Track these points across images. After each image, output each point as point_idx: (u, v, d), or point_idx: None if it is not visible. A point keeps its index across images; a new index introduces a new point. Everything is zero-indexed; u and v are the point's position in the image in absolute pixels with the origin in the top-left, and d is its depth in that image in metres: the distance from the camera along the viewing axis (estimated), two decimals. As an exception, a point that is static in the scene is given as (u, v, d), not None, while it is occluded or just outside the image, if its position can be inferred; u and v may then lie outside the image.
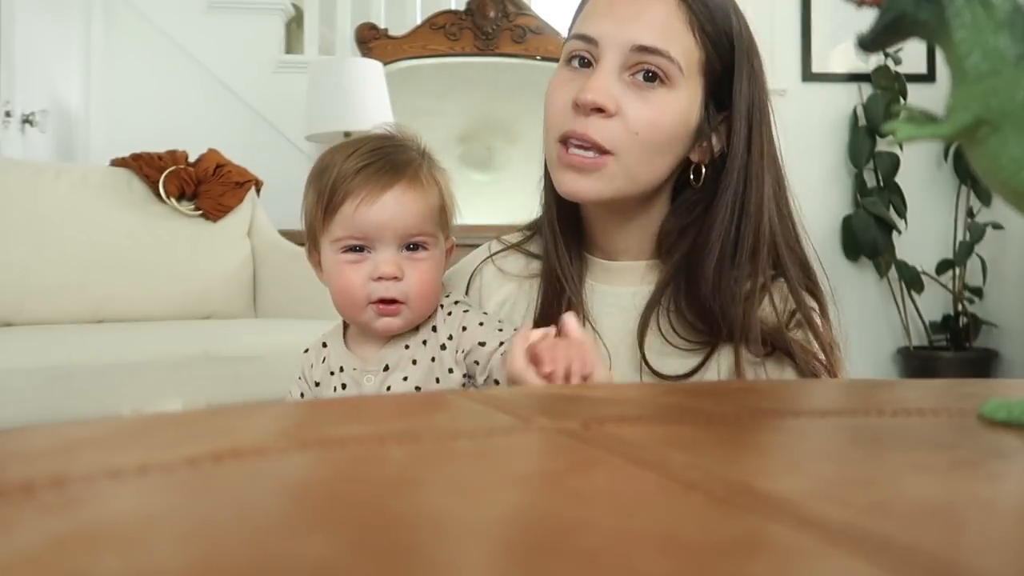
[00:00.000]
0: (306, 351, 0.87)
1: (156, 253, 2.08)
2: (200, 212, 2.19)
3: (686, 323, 0.78)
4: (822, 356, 0.76)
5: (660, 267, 0.82)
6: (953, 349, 3.02)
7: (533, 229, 0.90)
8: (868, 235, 2.97)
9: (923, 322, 3.06)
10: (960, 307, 3.02)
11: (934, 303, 3.08)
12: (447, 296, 0.84)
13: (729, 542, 0.20)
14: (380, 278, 0.78)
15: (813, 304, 0.80)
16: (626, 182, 0.76)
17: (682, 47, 0.75)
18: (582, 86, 0.74)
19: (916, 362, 3.02)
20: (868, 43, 0.37)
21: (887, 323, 3.11)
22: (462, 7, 2.99)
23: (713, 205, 0.78)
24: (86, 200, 2.06)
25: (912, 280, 3.00)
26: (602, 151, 0.74)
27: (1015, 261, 2.94)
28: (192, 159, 2.26)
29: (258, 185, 2.34)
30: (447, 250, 0.84)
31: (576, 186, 0.76)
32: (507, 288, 0.88)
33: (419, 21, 3.01)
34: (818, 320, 0.78)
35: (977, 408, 0.36)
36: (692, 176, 0.80)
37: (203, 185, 2.21)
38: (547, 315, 0.82)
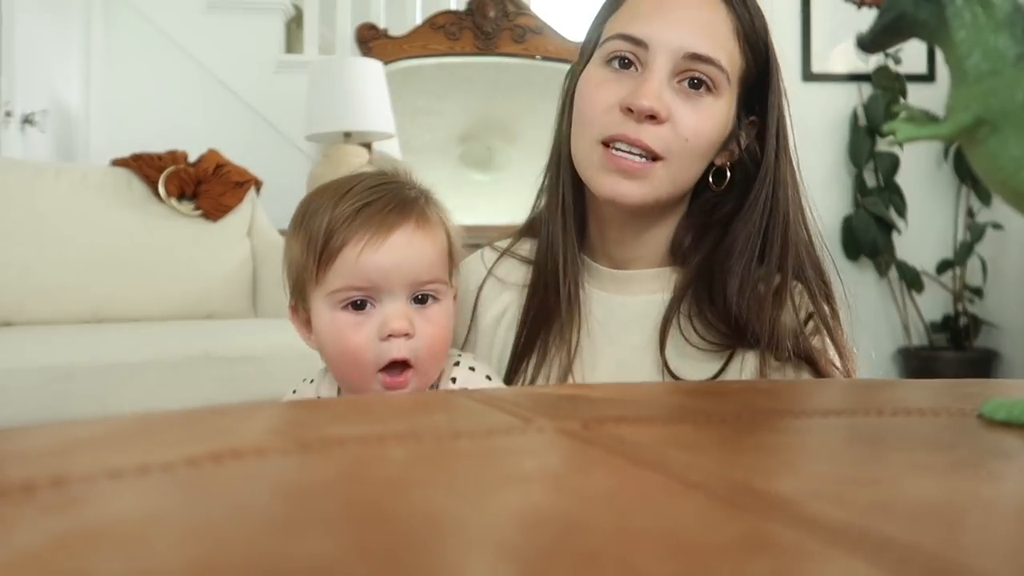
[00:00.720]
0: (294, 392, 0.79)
1: (156, 253, 2.08)
2: (200, 212, 2.19)
3: (708, 325, 0.76)
4: (839, 362, 0.76)
5: (675, 273, 0.80)
6: (953, 349, 3.02)
7: (523, 232, 0.87)
8: (868, 235, 2.97)
9: (923, 322, 3.06)
10: (960, 307, 3.02)
11: (934, 303, 3.08)
12: (458, 359, 0.75)
13: (729, 542, 0.20)
14: (390, 336, 0.67)
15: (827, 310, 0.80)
16: (669, 187, 0.75)
17: (729, 56, 0.75)
18: (635, 91, 0.73)
19: (916, 362, 3.02)
20: (868, 43, 0.37)
21: (887, 323, 3.11)
22: (462, 7, 2.99)
23: (743, 207, 0.78)
24: (86, 200, 2.06)
25: (912, 280, 3.00)
26: (654, 157, 0.73)
27: (1015, 261, 2.94)
28: (192, 159, 2.26)
29: (258, 185, 2.34)
30: (453, 296, 0.75)
31: (621, 189, 0.74)
32: (505, 297, 0.85)
33: (419, 21, 3.01)
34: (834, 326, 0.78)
35: (977, 408, 0.36)
36: (712, 180, 0.79)
37: (203, 185, 2.21)
38: (545, 319, 0.80)
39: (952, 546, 0.20)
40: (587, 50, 0.81)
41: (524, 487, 0.25)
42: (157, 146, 2.26)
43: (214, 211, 2.20)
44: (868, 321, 3.10)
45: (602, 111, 0.74)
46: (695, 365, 0.77)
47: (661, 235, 0.81)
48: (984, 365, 2.97)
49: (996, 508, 0.24)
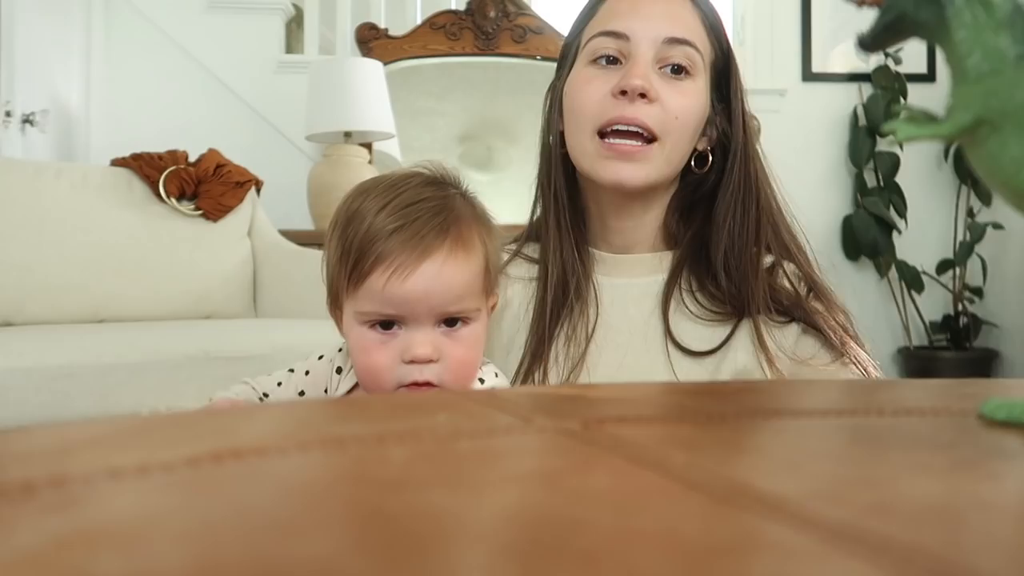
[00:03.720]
0: (320, 357, 0.78)
1: (156, 253, 2.08)
2: (200, 212, 2.19)
3: (709, 296, 0.82)
4: (842, 318, 0.80)
5: (671, 253, 0.85)
6: (953, 349, 3.02)
7: (528, 237, 0.91)
8: (868, 235, 2.97)
9: (923, 322, 3.06)
10: (960, 307, 3.02)
11: (934, 303, 3.08)
12: (483, 375, 0.74)
13: (729, 542, 0.20)
14: (413, 361, 0.67)
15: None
16: (665, 167, 0.81)
17: (701, 40, 0.82)
18: (626, 74, 0.78)
19: (916, 362, 3.02)
20: (868, 43, 0.37)
21: (887, 323, 3.11)
22: (462, 7, 2.99)
23: (721, 185, 0.84)
24: (86, 200, 2.06)
25: (912, 280, 3.00)
26: (650, 137, 0.78)
27: (1015, 261, 2.94)
28: (192, 159, 2.26)
29: (258, 185, 2.34)
30: (491, 307, 0.74)
31: (623, 173, 0.78)
32: (508, 293, 0.89)
33: (419, 21, 3.01)
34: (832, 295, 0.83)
35: (977, 408, 0.36)
36: (695, 163, 0.85)
37: (203, 185, 2.21)
38: (556, 314, 0.84)
39: (952, 546, 0.20)
40: (567, 61, 0.86)
41: (524, 487, 0.25)
42: (157, 146, 2.26)
43: (214, 211, 2.20)
44: (868, 321, 3.10)
45: (595, 102, 0.79)
46: (700, 335, 0.81)
47: (655, 219, 0.86)
48: (984, 365, 2.97)
49: (996, 508, 0.24)
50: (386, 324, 0.67)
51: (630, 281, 0.85)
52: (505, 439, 0.32)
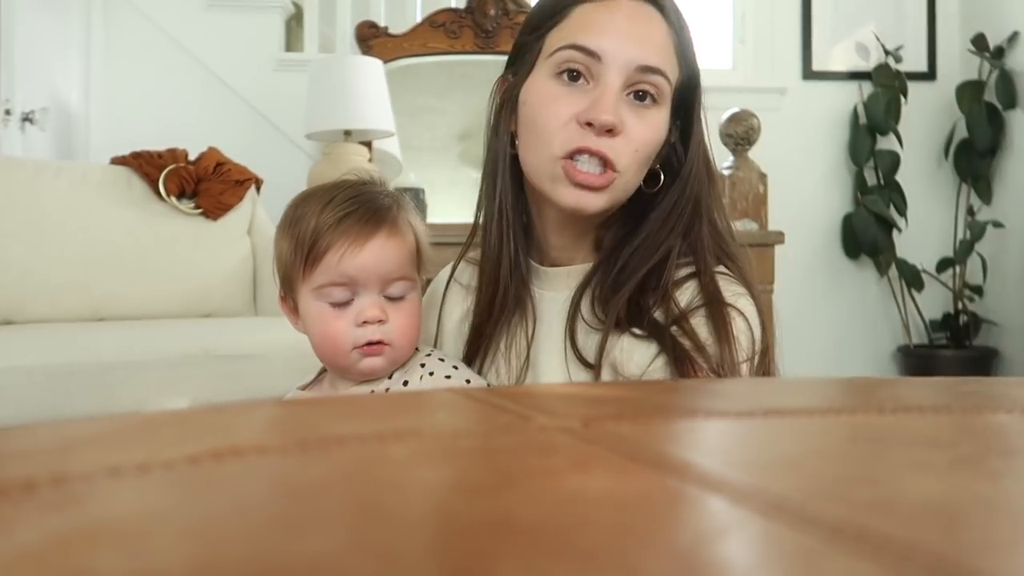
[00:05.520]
0: None
1: (156, 251, 2.08)
2: (200, 210, 2.19)
3: (604, 304, 0.81)
4: (711, 353, 0.76)
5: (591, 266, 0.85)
6: (953, 347, 3.02)
7: (469, 238, 0.92)
8: (868, 233, 2.97)
9: (923, 320, 3.06)
10: (960, 305, 3.02)
11: (934, 301, 3.08)
12: (430, 352, 0.85)
13: (729, 540, 0.20)
14: (365, 322, 0.79)
15: (744, 307, 0.79)
16: (622, 195, 0.81)
17: (671, 67, 0.80)
18: (594, 105, 0.77)
19: (916, 360, 3.02)
20: None
21: (887, 321, 3.11)
22: (462, 5, 2.98)
23: (657, 202, 0.83)
24: (86, 198, 2.06)
25: (912, 278, 3.00)
26: (612, 169, 0.78)
27: (1015, 259, 2.94)
28: (192, 157, 2.26)
29: (258, 183, 2.34)
30: (423, 284, 0.86)
31: (584, 201, 0.78)
32: (468, 302, 0.90)
33: (419, 19, 3.01)
34: (735, 325, 0.78)
35: (977, 405, 0.36)
36: (644, 182, 0.83)
37: (203, 183, 2.21)
38: (496, 320, 0.85)
39: (952, 544, 0.20)
40: (526, 60, 0.84)
41: (524, 485, 0.25)
42: (157, 144, 2.26)
43: (214, 209, 2.19)
44: (868, 319, 3.11)
45: (560, 126, 0.78)
46: (592, 338, 0.81)
47: (592, 233, 0.86)
48: (984, 363, 2.97)
49: (996, 506, 0.24)
50: (339, 304, 0.80)
51: (558, 295, 0.86)
52: (505, 438, 0.32)
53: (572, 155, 0.77)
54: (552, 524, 0.21)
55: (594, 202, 0.79)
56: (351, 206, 0.80)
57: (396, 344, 0.80)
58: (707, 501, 0.24)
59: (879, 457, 0.30)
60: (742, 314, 0.79)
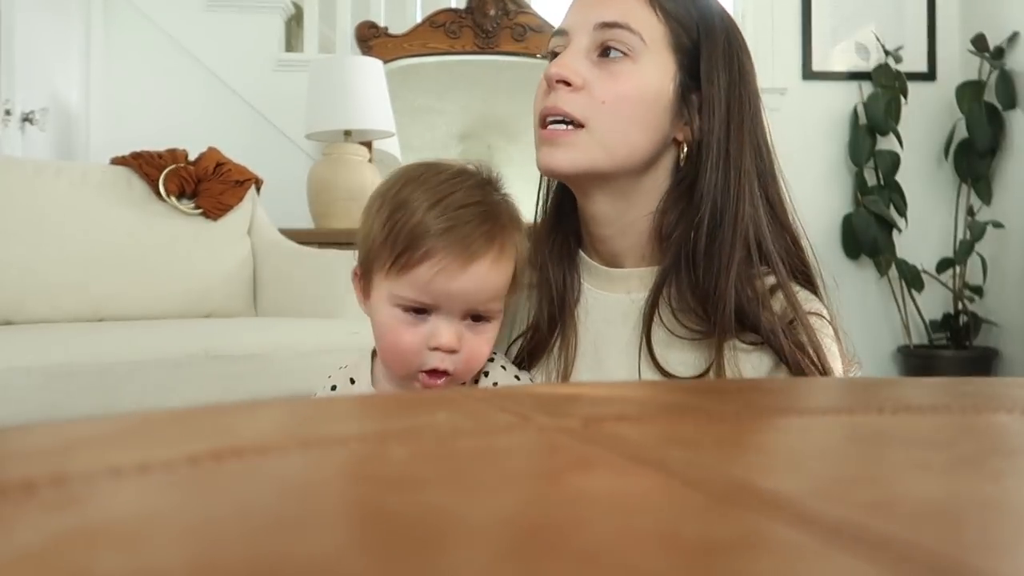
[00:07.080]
0: (333, 388, 0.82)
1: (156, 252, 2.08)
2: (200, 211, 2.19)
3: (689, 311, 0.77)
4: (820, 360, 0.75)
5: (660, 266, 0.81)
6: (953, 347, 3.02)
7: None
8: (868, 234, 2.97)
9: (923, 320, 3.06)
10: (960, 305, 3.02)
11: (934, 302, 3.08)
12: (493, 356, 0.79)
13: (729, 541, 0.20)
14: (437, 347, 0.72)
15: (821, 310, 0.79)
16: (601, 153, 0.77)
17: (643, 21, 0.78)
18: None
19: (916, 360, 3.02)
20: None
21: (887, 322, 3.11)
22: (462, 5, 2.99)
23: (695, 188, 0.78)
24: (86, 198, 2.06)
25: (912, 279, 3.00)
26: (576, 124, 0.77)
27: (1015, 259, 2.94)
28: (192, 157, 2.26)
29: (258, 183, 2.34)
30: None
31: (550, 159, 0.78)
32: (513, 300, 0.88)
33: (419, 19, 3.01)
34: (821, 334, 0.77)
35: (977, 405, 0.36)
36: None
37: (203, 183, 2.21)
38: (540, 326, 0.84)
39: (953, 544, 0.20)
40: None
41: (524, 486, 0.25)
42: (157, 144, 2.26)
43: (214, 210, 2.20)
44: (868, 320, 3.10)
45: (540, 96, 0.81)
46: (683, 359, 0.78)
47: (636, 226, 0.81)
48: (984, 364, 2.97)
49: (997, 506, 0.24)
50: (419, 310, 0.72)
51: (616, 296, 0.83)
52: (505, 437, 0.32)
53: (544, 118, 0.79)
54: (552, 524, 0.21)
55: (560, 158, 0.77)
56: (465, 215, 0.70)
57: (460, 374, 0.74)
58: (707, 501, 0.24)
59: (879, 457, 0.30)
60: (831, 324, 0.79)
